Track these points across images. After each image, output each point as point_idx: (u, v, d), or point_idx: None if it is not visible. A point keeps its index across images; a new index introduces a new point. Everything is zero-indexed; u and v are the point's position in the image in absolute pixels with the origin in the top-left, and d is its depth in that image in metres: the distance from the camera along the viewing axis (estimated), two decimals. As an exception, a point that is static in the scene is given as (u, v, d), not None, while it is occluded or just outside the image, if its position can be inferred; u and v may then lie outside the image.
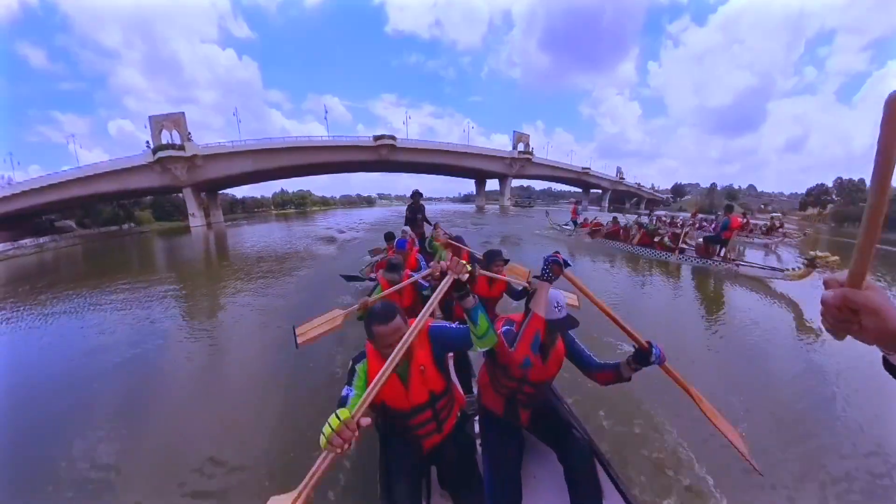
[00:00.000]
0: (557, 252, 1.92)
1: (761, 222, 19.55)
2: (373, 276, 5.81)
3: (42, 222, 44.64)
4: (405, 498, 1.67)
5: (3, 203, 34.92)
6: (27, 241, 33.95)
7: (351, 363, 1.71)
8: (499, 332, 1.81)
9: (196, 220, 37.22)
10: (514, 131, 54.26)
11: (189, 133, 34.69)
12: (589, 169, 65.41)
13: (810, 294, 7.11)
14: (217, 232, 30.20)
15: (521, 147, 53.14)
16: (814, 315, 5.95)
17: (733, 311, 6.46)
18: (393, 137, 42.96)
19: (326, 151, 41.74)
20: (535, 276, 1.93)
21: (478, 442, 2.16)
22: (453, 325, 1.79)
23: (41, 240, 35.96)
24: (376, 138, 42.49)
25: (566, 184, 77.61)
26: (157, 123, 34.25)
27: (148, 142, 34.90)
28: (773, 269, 8.23)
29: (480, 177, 57.87)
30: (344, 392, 1.59)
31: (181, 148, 34.24)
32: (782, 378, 4.10)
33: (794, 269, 7.65)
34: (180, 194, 42.33)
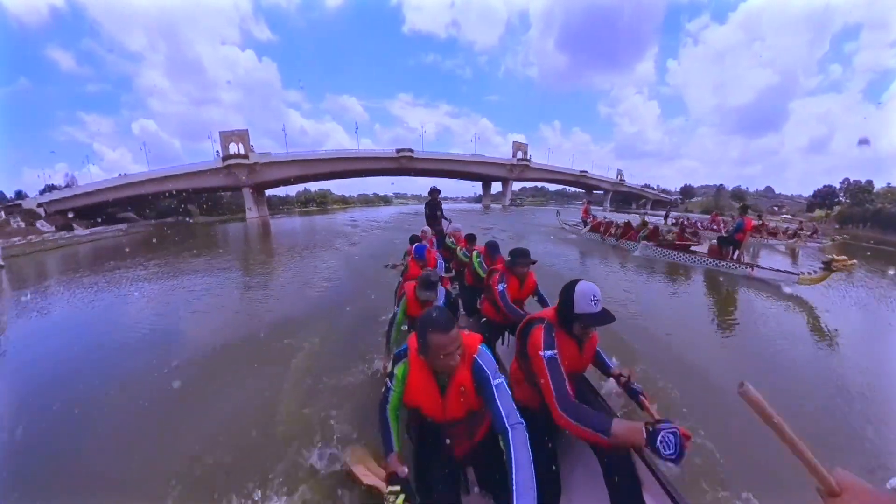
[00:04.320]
0: (685, 434, 1.41)
1: (783, 225, 18.98)
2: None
3: (110, 213, 53.74)
4: (443, 493, 1.68)
5: (91, 196, 43.66)
6: (107, 227, 41.18)
7: (393, 358, 1.75)
8: (541, 354, 1.73)
9: (252, 213, 46.68)
10: (514, 142, 62.81)
11: (252, 145, 44.21)
12: (586, 172, 71.39)
13: (827, 298, 7.09)
14: (265, 222, 39.60)
15: (519, 155, 61.47)
16: (830, 319, 5.97)
17: (748, 315, 6.27)
18: (411, 150, 51.64)
19: (357, 161, 50.97)
20: (647, 438, 1.42)
21: None
22: (500, 386, 1.56)
23: (120, 226, 43.45)
24: (398, 151, 51.32)
25: (565, 185, 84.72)
26: (226, 137, 43.72)
27: (218, 151, 44.51)
28: (788, 272, 7.92)
29: (486, 180, 66.20)
30: (387, 383, 1.72)
31: (245, 157, 43.69)
32: (799, 384, 3.97)
33: (809, 272, 7.37)
34: (221, 193, 54.83)
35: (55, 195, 43.75)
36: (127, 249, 20.00)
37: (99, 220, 44.42)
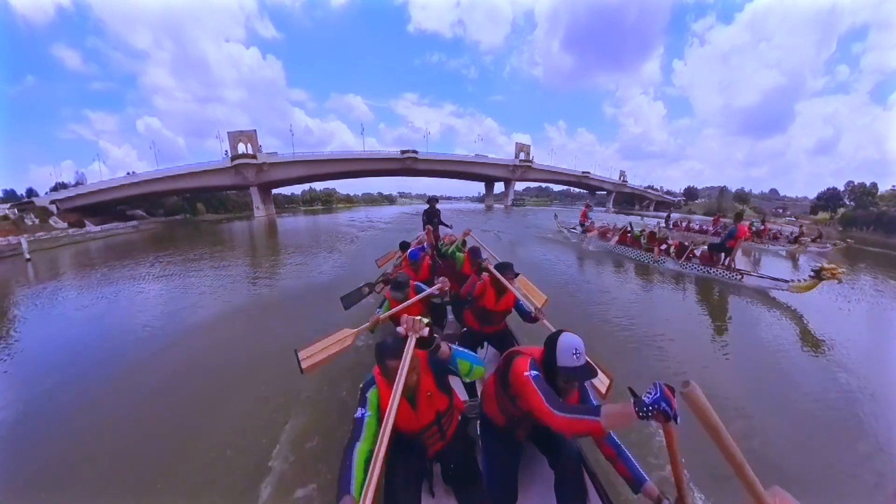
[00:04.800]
0: (670, 389, 1.29)
1: (787, 229, 18.40)
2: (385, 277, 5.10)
3: (118, 210, 54.99)
4: (406, 492, 1.81)
5: (102, 194, 44.57)
6: (118, 224, 41.65)
7: (361, 389, 1.80)
8: (527, 374, 1.71)
9: (259, 212, 48.16)
10: (517, 143, 63.60)
11: (260, 146, 45.56)
12: (589, 173, 71.98)
13: (817, 306, 7.15)
14: (272, 220, 40.90)
15: (522, 156, 62.30)
16: (819, 328, 6.08)
17: (736, 324, 6.31)
18: (415, 151, 52.82)
19: (362, 162, 52.24)
20: (635, 403, 1.33)
21: (479, 441, 2.25)
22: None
23: (131, 223, 43.80)
24: (403, 152, 52.43)
25: (568, 186, 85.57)
26: (235, 138, 45.07)
27: (226, 151, 45.95)
28: (778, 280, 7.96)
29: (489, 181, 67.15)
30: (358, 414, 1.70)
31: (253, 157, 45.07)
32: (789, 391, 4.02)
33: (799, 280, 7.43)
34: (227, 192, 56.12)
35: (67, 193, 44.76)
36: (157, 242, 21.75)
37: (100, 216, 45.29)
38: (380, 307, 3.58)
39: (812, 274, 7.11)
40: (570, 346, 1.74)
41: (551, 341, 1.83)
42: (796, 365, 4.75)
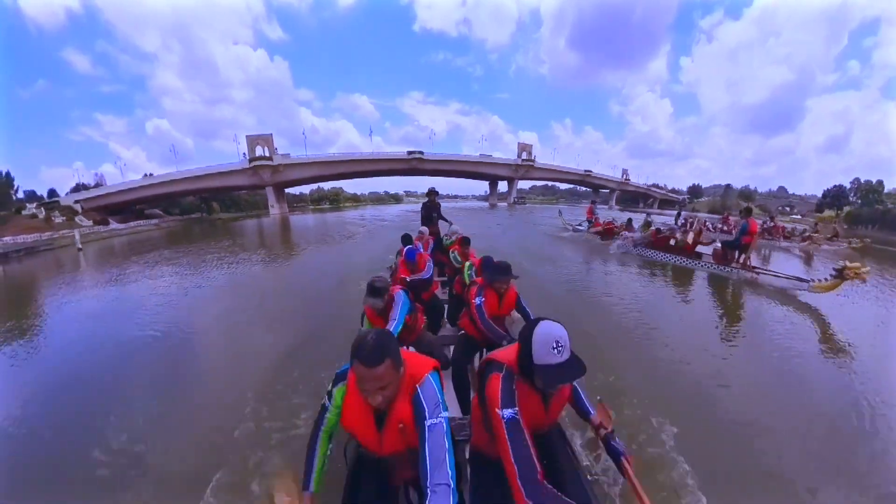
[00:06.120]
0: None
1: (800, 227, 18.14)
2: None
3: (138, 210, 57.20)
4: None
5: (123, 194, 46.46)
6: (140, 222, 43.18)
7: (331, 383, 1.55)
8: (499, 412, 1.36)
9: (274, 210, 51.08)
10: (519, 143, 65.89)
11: (276, 148, 48.60)
12: (591, 171, 73.36)
13: (840, 307, 6.78)
14: (286, 218, 43.57)
15: (524, 155, 64.33)
16: (843, 330, 5.75)
17: (754, 325, 6.00)
18: (421, 152, 55.39)
19: (371, 163, 55.10)
20: None
21: (467, 471, 1.85)
22: (434, 428, 1.31)
23: (152, 221, 45.40)
24: (409, 153, 55.05)
25: (571, 184, 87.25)
26: (252, 141, 48.21)
27: (244, 153, 49.00)
28: (798, 279, 7.58)
29: (492, 180, 69.34)
30: (325, 401, 1.55)
31: (269, 159, 48.19)
32: (809, 398, 3.83)
33: (821, 279, 7.03)
34: (239, 192, 58.79)
35: (90, 193, 46.81)
36: (191, 236, 24.09)
37: (121, 215, 47.05)
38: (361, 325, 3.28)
39: (834, 273, 6.71)
40: (549, 338, 1.38)
41: (526, 334, 1.45)
42: (817, 371, 4.55)
